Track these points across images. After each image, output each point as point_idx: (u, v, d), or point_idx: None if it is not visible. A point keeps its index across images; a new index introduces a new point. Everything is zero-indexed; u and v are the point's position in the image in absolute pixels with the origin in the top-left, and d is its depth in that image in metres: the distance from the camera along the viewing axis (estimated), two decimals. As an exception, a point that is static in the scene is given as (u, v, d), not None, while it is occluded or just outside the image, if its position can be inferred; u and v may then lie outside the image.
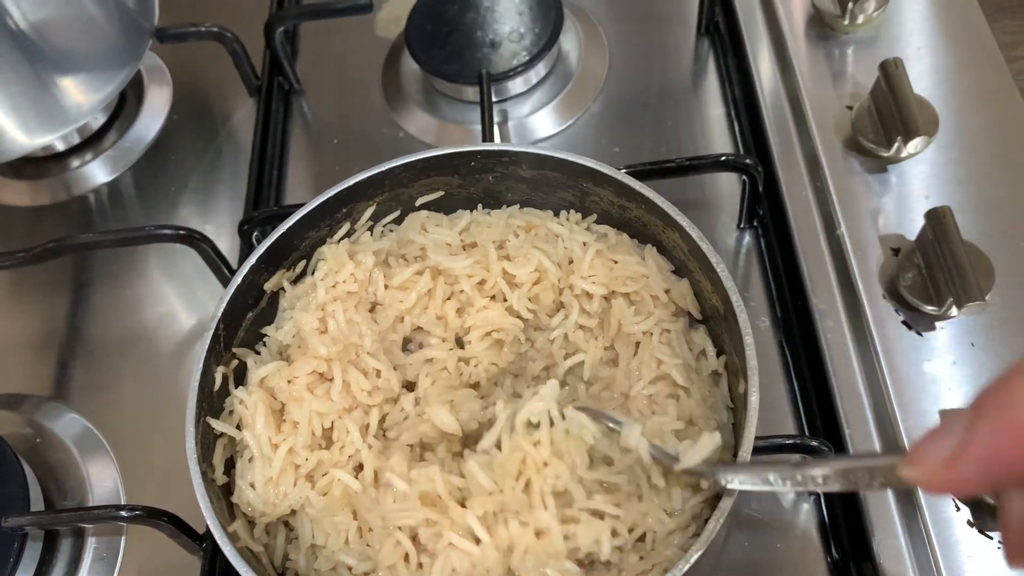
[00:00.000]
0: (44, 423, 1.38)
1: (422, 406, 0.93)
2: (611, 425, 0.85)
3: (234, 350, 1.00)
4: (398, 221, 1.10)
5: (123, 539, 1.26)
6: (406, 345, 1.05)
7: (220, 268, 1.38)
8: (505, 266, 1.00)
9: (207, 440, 0.93)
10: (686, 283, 1.01)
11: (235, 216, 1.53)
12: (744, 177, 1.23)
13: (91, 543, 1.26)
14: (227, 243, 1.46)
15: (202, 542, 1.20)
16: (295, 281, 1.06)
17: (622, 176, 0.97)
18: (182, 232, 1.36)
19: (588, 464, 0.83)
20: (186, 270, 1.52)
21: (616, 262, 1.01)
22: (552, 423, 0.83)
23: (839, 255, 1.22)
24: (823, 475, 0.67)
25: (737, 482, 0.77)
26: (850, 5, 1.34)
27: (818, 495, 1.10)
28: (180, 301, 1.51)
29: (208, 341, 0.93)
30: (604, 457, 0.86)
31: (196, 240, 1.37)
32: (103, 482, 1.31)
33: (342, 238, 1.06)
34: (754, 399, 0.83)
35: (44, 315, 1.50)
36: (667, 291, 0.99)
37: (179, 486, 1.32)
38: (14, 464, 1.24)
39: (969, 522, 0.99)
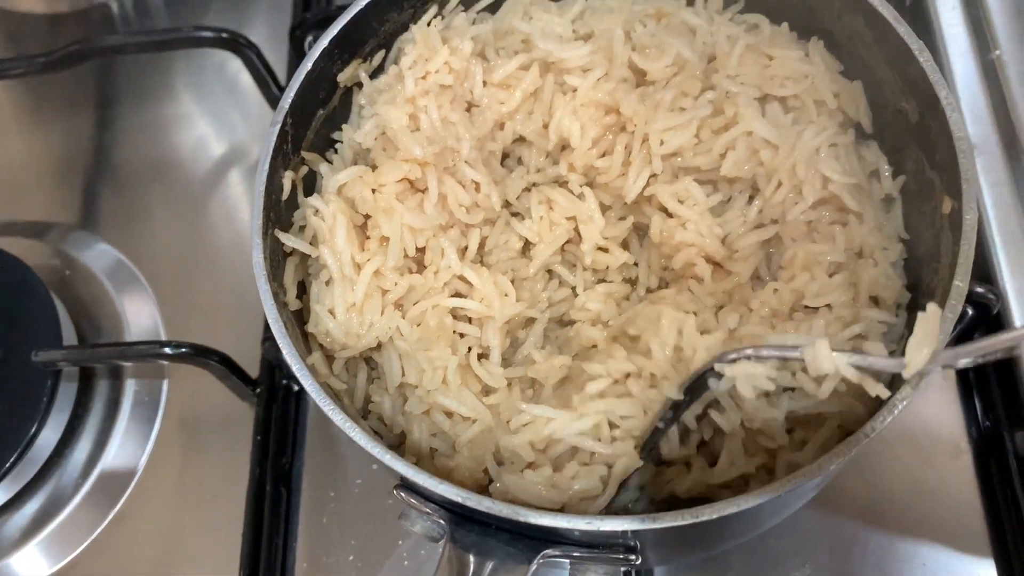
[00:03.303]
0: (73, 254, 1.22)
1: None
2: (786, 355, 0.63)
3: (303, 154, 0.82)
4: (493, 8, 0.90)
5: (165, 383, 1.12)
6: (503, 161, 0.87)
7: (266, 81, 1.20)
8: (633, 58, 0.80)
9: (275, 258, 0.76)
10: (859, 86, 0.81)
11: (278, 25, 1.33)
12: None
13: (130, 386, 1.12)
14: (270, 56, 1.26)
15: (255, 387, 1.06)
16: (373, 75, 0.87)
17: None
18: (225, 36, 1.17)
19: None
20: (218, 90, 1.34)
21: (772, 58, 0.81)
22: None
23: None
24: None
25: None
26: None
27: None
28: (213, 125, 1.33)
29: (274, 138, 0.76)
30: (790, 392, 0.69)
31: (241, 46, 1.17)
32: (141, 320, 1.17)
33: (430, 22, 0.86)
34: (971, 218, 0.65)
35: (67, 135, 1.33)
36: (836, 95, 0.80)
37: (225, 324, 1.18)
38: (44, 297, 1.09)
39: None
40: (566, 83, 0.81)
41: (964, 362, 0.58)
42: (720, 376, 0.65)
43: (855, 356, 0.60)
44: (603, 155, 0.83)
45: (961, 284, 0.63)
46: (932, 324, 0.57)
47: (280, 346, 0.68)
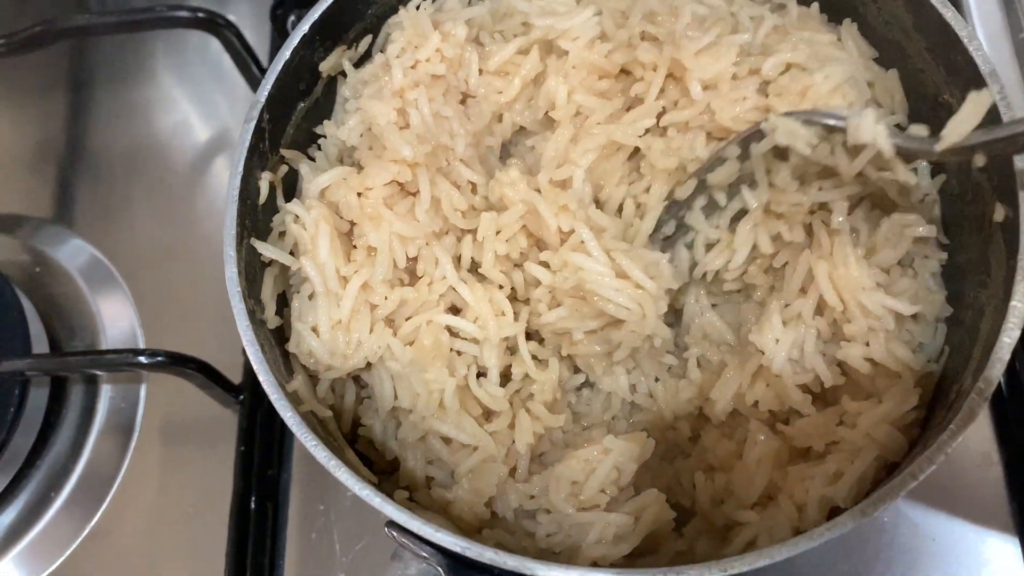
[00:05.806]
0: (45, 250, 1.15)
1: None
2: (831, 123, 0.65)
3: (282, 152, 0.74)
4: (492, -13, 0.82)
5: (143, 387, 1.06)
6: (501, 153, 0.80)
7: (247, 63, 1.11)
8: (646, 28, 0.73)
9: (252, 270, 0.69)
10: (894, 75, 0.74)
11: (261, 1, 1.27)
12: None
13: (106, 391, 1.05)
14: (251, 36, 1.18)
15: (239, 393, 0.99)
16: (359, 64, 0.79)
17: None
18: (202, 16, 1.08)
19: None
20: (200, 70, 1.26)
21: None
22: None
23: None
24: None
25: None
26: None
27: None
28: (195, 108, 1.26)
29: (249, 136, 0.68)
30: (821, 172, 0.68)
31: (219, 26, 1.09)
32: (117, 321, 1.10)
33: (419, 4, 0.78)
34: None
35: (39, 122, 1.25)
36: (870, 84, 0.73)
37: (207, 325, 1.10)
38: (10, 297, 1.02)
39: None
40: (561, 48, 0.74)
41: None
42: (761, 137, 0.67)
43: (895, 132, 0.62)
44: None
45: (1020, 305, 0.56)
46: (981, 107, 0.57)
47: (257, 373, 0.61)
